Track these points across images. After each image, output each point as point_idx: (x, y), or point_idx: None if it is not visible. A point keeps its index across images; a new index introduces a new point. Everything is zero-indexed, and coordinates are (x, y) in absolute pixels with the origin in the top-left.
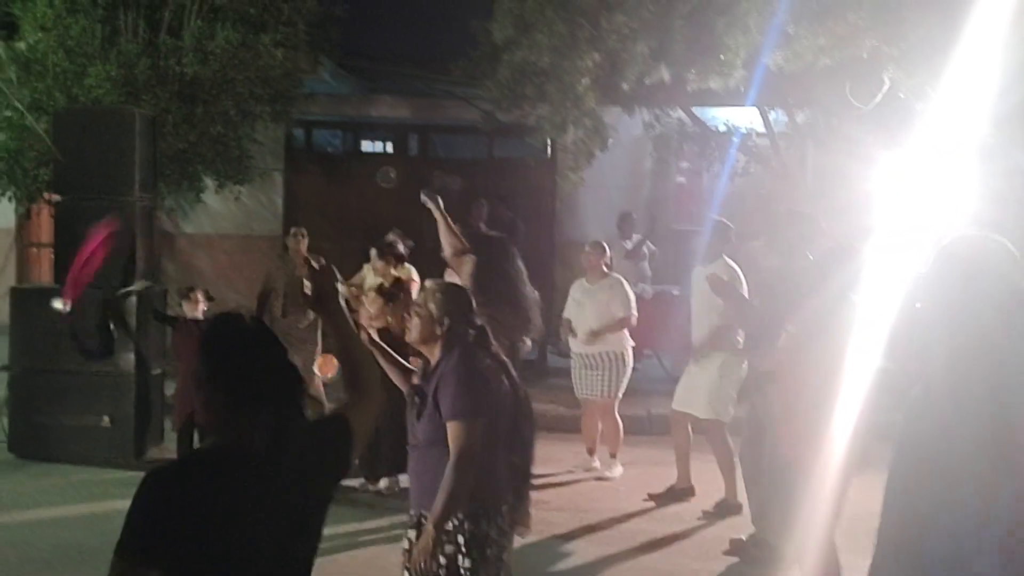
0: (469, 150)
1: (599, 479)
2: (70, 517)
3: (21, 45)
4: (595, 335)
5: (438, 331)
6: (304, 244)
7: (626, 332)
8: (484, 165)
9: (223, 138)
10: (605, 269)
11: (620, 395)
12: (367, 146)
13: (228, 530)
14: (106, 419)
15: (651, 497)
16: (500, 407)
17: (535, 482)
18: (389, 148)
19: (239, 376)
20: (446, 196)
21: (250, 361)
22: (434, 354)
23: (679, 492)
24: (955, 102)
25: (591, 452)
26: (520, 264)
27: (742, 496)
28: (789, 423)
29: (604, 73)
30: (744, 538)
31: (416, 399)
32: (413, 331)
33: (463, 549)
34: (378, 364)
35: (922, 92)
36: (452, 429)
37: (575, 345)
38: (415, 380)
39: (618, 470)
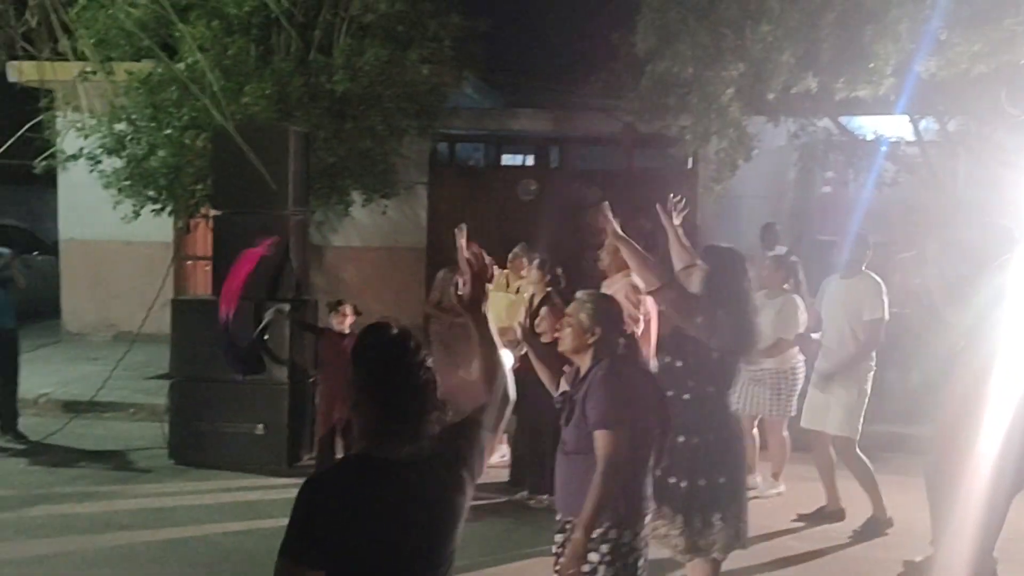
0: (609, 161)
1: (757, 497)
2: (227, 522)
3: (180, 66)
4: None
5: (589, 340)
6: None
7: (797, 348)
8: (624, 176)
9: (370, 153)
10: (786, 287)
11: (791, 413)
12: (508, 159)
13: (376, 532)
14: (260, 427)
15: (800, 517)
16: (647, 418)
17: None
18: (530, 161)
19: (385, 385)
20: (582, 206)
21: (396, 371)
22: (584, 363)
23: (829, 513)
24: None
25: (749, 471)
26: (750, 276)
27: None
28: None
29: (748, 83)
30: (919, 560)
31: (565, 406)
32: (565, 340)
33: (607, 557)
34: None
35: None
36: (599, 438)
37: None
38: (565, 387)
39: (780, 488)
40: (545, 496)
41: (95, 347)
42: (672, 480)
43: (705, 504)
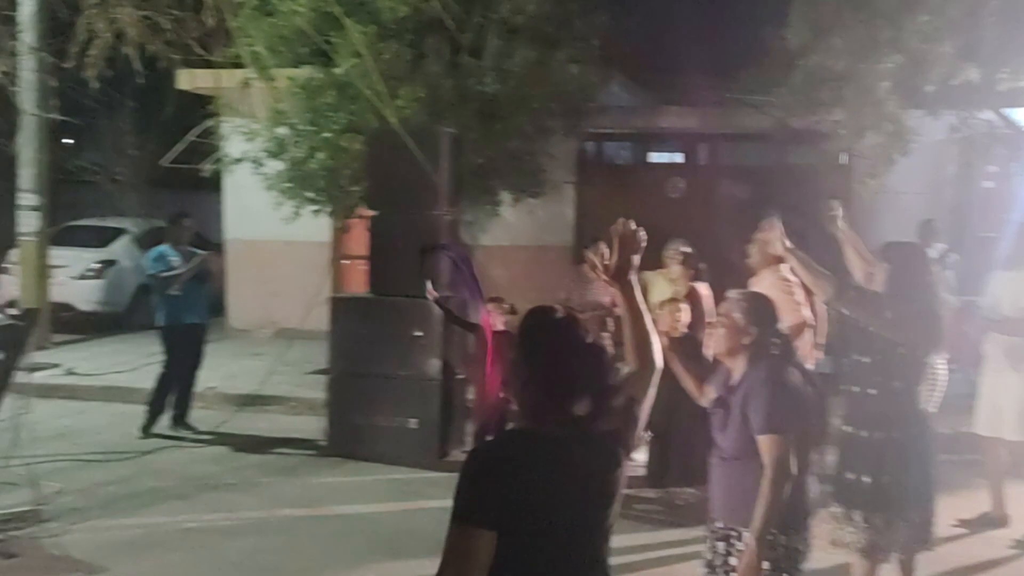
0: (759, 158)
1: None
2: (382, 512)
3: (338, 71)
4: None
5: (745, 341)
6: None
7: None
8: (775, 173)
9: (518, 153)
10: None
11: (934, 410)
12: (656, 156)
13: (541, 500)
14: (414, 421)
15: (961, 523)
16: (808, 419)
17: None
18: (678, 158)
19: (552, 365)
20: (733, 204)
21: (562, 351)
22: (738, 365)
23: (993, 519)
24: None
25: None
26: (935, 271)
27: None
28: None
29: (906, 75)
30: None
31: (720, 411)
32: (717, 341)
33: (777, 563)
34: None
35: None
36: (765, 443)
37: None
38: (715, 392)
39: None
40: (691, 489)
41: (258, 343)
42: (851, 476)
43: (889, 502)
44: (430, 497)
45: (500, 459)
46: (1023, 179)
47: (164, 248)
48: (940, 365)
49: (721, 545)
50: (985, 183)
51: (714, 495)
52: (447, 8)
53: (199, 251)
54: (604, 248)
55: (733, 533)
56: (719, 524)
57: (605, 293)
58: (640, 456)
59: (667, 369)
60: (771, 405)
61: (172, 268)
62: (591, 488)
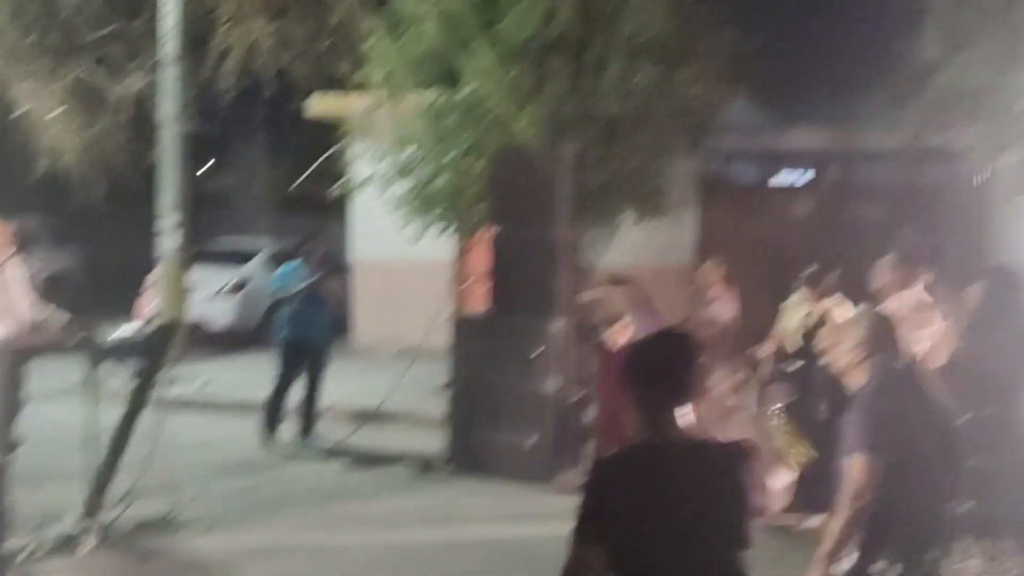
0: (891, 177)
1: None
2: (497, 529)
3: (463, 92)
4: None
5: (861, 358)
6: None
7: None
8: (908, 193)
9: (641, 172)
10: None
11: None
12: (783, 175)
13: (659, 508)
14: (530, 439)
15: None
16: (913, 443)
17: None
18: (807, 177)
19: (659, 380)
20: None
21: (668, 368)
22: (856, 381)
23: None
24: None
25: None
26: None
27: None
28: None
29: None
30: None
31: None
32: (837, 358)
33: None
34: None
35: None
36: (851, 462)
37: None
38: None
39: None
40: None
41: (382, 361)
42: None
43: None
44: (543, 518)
45: (619, 472)
46: None
47: (292, 267)
48: None
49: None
50: None
51: None
52: (571, 28)
53: (324, 271)
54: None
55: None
56: None
57: (725, 310)
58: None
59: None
60: (863, 424)
61: (296, 286)
62: (709, 494)
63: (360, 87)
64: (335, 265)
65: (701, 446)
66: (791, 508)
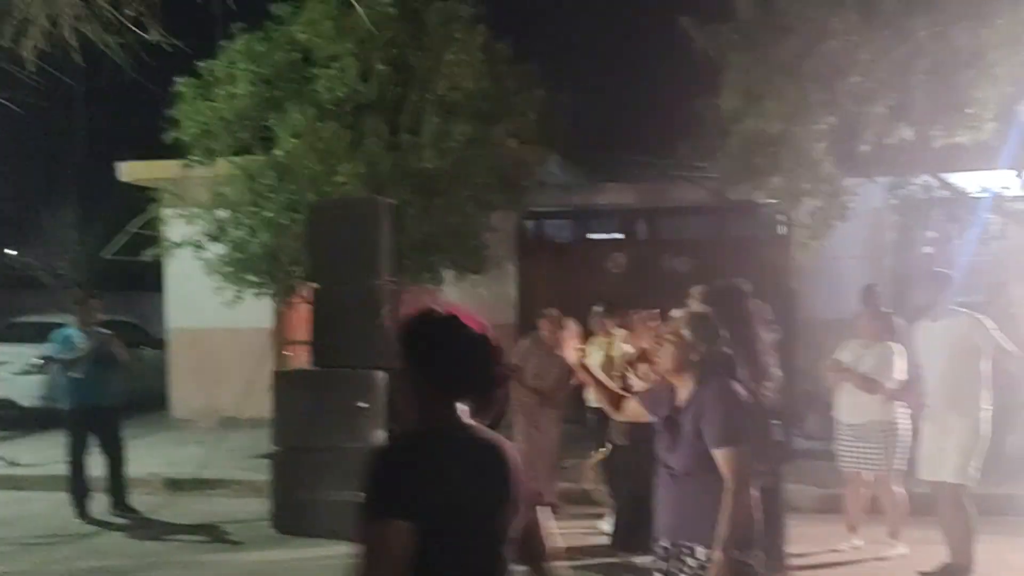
0: (699, 231)
1: (879, 559)
2: None
3: (278, 152)
4: (845, 374)
5: (693, 358)
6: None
7: (898, 402)
8: (715, 245)
9: (459, 228)
10: (880, 332)
11: (897, 468)
12: (596, 233)
13: (447, 493)
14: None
15: (922, 575)
16: (757, 435)
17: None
18: (618, 234)
19: (442, 364)
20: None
21: (452, 351)
22: (685, 382)
23: (955, 569)
24: None
25: (851, 529)
26: (751, 311)
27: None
28: None
29: (840, 137)
30: None
31: (668, 430)
32: (665, 359)
33: None
34: None
35: None
36: (723, 456)
37: (842, 415)
38: (661, 412)
39: (899, 551)
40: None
41: (201, 432)
42: None
43: None
44: None
45: (408, 454)
46: (963, 243)
47: (70, 331)
48: (902, 419)
49: (670, 564)
50: (925, 248)
51: (661, 514)
52: (384, 89)
53: (106, 331)
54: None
55: (685, 550)
56: (665, 544)
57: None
58: (605, 524)
59: (639, 438)
60: (726, 418)
61: (75, 350)
62: (487, 487)
63: (172, 151)
64: (149, 340)
65: (480, 437)
66: (614, 547)
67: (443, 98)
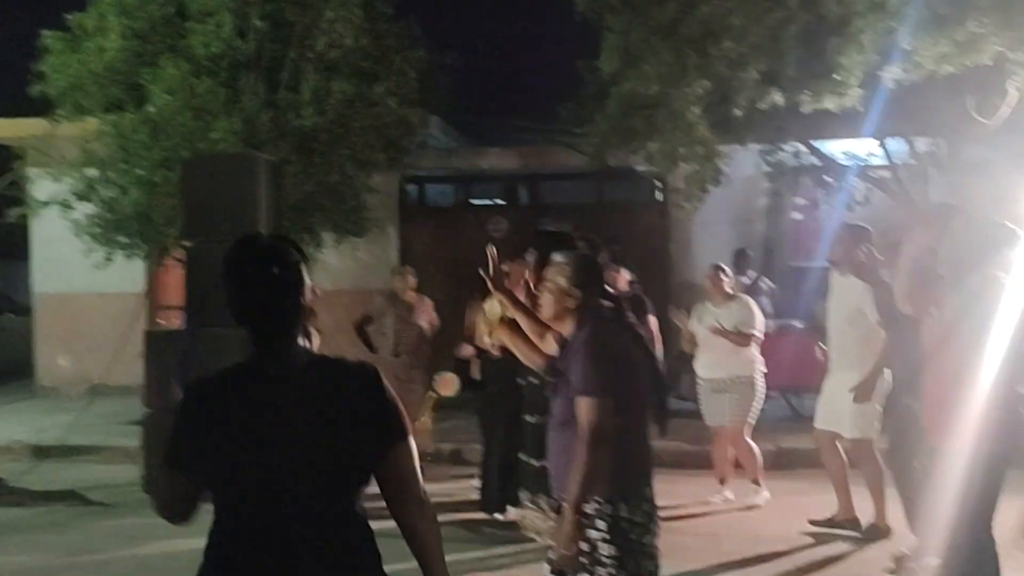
0: (579, 195)
1: (748, 508)
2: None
3: (150, 108)
4: (721, 333)
5: (570, 305)
6: (412, 283)
7: (756, 356)
8: (594, 209)
9: (339, 187)
10: (730, 291)
11: (751, 420)
12: (478, 198)
13: (234, 441)
14: None
15: (812, 523)
16: (638, 384)
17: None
18: (499, 199)
19: (245, 298)
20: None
21: (256, 285)
22: (567, 329)
23: (841, 523)
24: None
25: (722, 482)
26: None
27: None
28: (936, 409)
29: (715, 101)
30: (907, 552)
31: (552, 377)
32: (545, 307)
33: (606, 534)
34: None
35: None
36: (581, 406)
37: (702, 371)
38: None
39: (764, 495)
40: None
41: (69, 399)
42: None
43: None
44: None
45: (201, 398)
46: (829, 208)
47: None
48: (758, 374)
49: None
50: (794, 215)
51: (550, 465)
52: (262, 45)
53: None
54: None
55: (565, 503)
56: (555, 496)
57: (423, 318)
58: (476, 482)
59: (506, 397)
60: (588, 367)
61: None
62: (299, 427)
63: (38, 107)
64: (13, 306)
65: (299, 375)
66: (482, 505)
67: (322, 55)
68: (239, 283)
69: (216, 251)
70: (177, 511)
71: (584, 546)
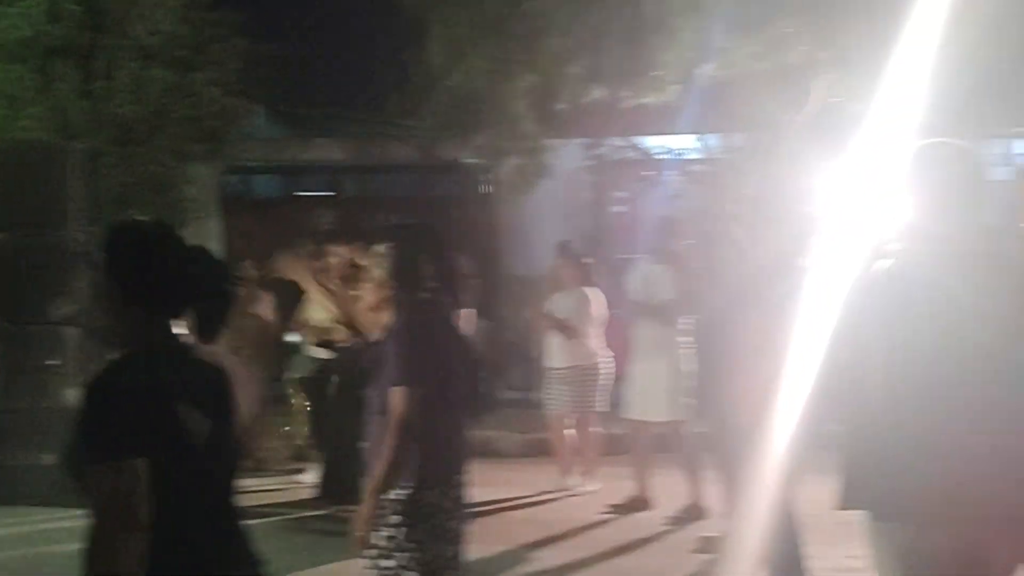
0: (406, 188)
1: (575, 495)
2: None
3: None
4: (555, 324)
5: (386, 295)
6: (253, 275)
7: (599, 345)
8: (421, 203)
9: (159, 180)
10: (576, 280)
11: (596, 408)
12: (303, 190)
13: (169, 420)
14: (50, 457)
15: (611, 508)
16: (451, 374)
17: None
18: (326, 191)
19: (154, 282)
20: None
21: (162, 267)
22: (386, 319)
23: (639, 503)
24: (891, 108)
25: (565, 471)
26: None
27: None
28: (746, 393)
29: (540, 95)
30: (715, 535)
31: (370, 365)
32: (365, 297)
33: (410, 520)
34: None
35: (858, 98)
36: (393, 395)
37: (548, 361)
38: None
39: (595, 485)
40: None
41: None
42: None
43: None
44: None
45: (130, 382)
46: (649, 201)
47: None
48: (603, 363)
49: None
50: (616, 207)
51: (368, 454)
52: (75, 31)
53: None
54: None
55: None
56: None
57: (265, 308)
58: (310, 476)
59: (341, 388)
60: (398, 357)
61: None
62: (213, 410)
63: None
64: None
65: (201, 357)
66: (322, 499)
67: (139, 43)
68: (173, 261)
69: (25, 244)
70: (142, 510)
71: (387, 531)
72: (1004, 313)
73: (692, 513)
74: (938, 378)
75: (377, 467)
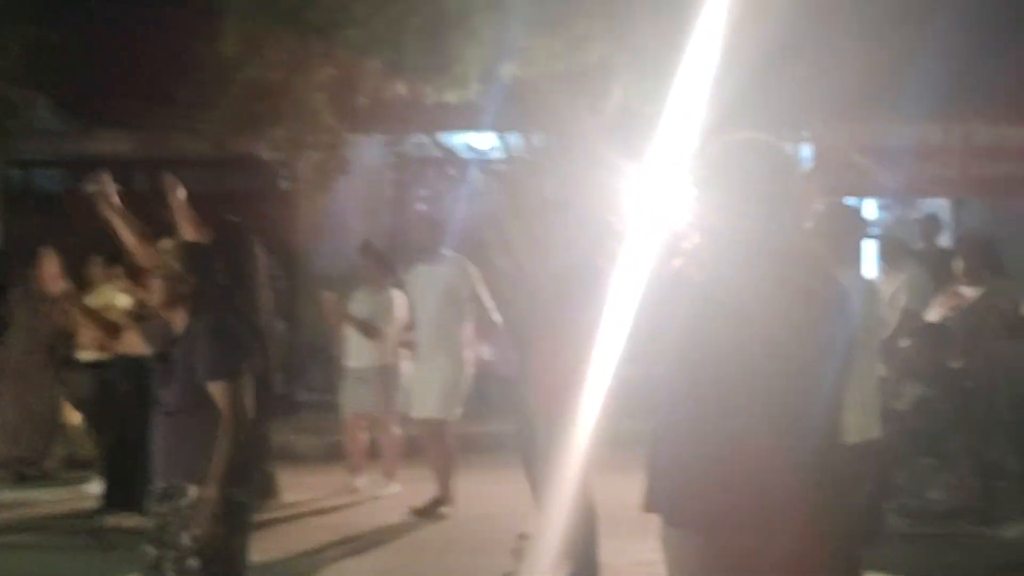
0: (201, 183)
1: (375, 498)
2: None
3: None
4: (355, 324)
5: (184, 291)
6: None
7: (398, 346)
8: (217, 199)
9: None
10: (378, 279)
11: (396, 410)
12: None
13: None
14: None
15: (414, 511)
16: (252, 370)
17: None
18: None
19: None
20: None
21: None
22: (180, 316)
23: (438, 501)
24: (685, 110)
25: (353, 473)
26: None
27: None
28: (548, 392)
29: (339, 90)
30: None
31: (162, 365)
32: (157, 293)
33: (227, 516)
34: None
35: (653, 100)
36: (218, 390)
37: (346, 360)
38: (154, 347)
39: (395, 488)
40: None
41: None
42: None
43: None
44: None
45: None
46: (452, 199)
47: None
48: (403, 363)
49: (165, 505)
50: (419, 205)
51: (157, 455)
52: None
53: None
54: None
55: (178, 490)
56: (162, 484)
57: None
58: (94, 486)
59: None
60: (219, 352)
61: None
62: None
63: None
64: None
65: None
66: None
67: None
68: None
69: None
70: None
71: (194, 530)
72: (790, 313)
73: (435, 506)
74: (724, 381)
75: (217, 462)
